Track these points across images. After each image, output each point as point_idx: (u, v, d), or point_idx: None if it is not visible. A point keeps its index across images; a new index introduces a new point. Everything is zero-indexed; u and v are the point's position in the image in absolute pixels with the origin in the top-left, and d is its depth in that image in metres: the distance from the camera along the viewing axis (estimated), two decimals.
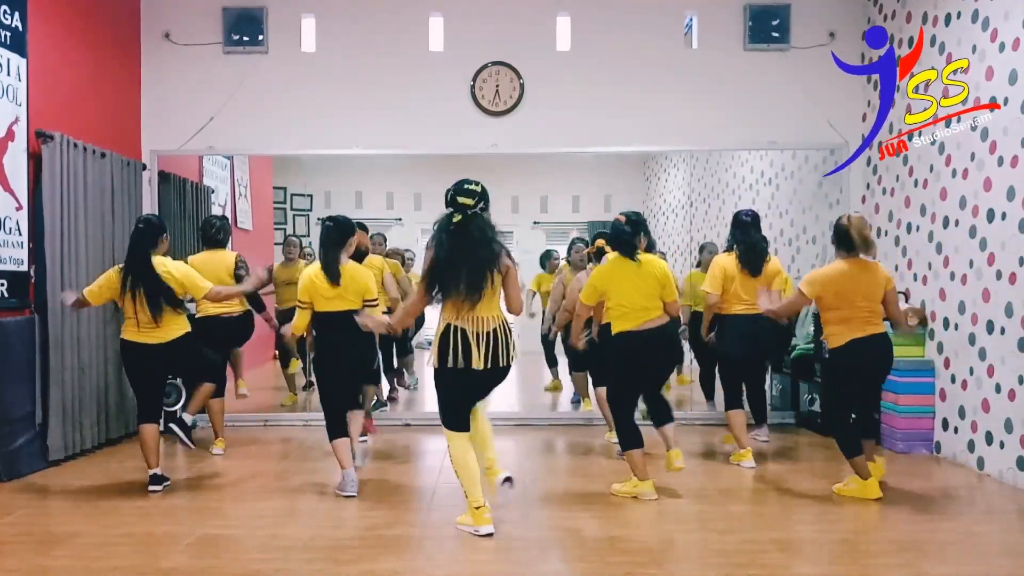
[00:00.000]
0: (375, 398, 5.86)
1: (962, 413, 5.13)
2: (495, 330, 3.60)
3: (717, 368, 5.52)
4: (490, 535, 3.61)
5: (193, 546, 3.61)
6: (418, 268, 6.78)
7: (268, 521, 3.97)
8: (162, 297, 4.34)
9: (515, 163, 9.25)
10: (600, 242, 4.98)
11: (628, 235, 4.30)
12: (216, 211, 7.86)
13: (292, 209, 10.89)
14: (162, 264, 4.43)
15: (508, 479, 3.73)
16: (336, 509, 4.18)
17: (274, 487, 4.59)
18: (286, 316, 5.94)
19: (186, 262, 5.03)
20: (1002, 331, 4.73)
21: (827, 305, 4.22)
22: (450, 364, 3.57)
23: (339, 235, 4.36)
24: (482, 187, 3.65)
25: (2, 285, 4.78)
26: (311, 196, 11.11)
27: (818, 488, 4.55)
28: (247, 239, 9.11)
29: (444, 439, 3.79)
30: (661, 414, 4.51)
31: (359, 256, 5.08)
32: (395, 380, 7.23)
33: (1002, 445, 4.72)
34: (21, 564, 3.38)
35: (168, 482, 4.51)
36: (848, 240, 4.17)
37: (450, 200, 3.63)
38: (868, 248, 4.17)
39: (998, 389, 4.77)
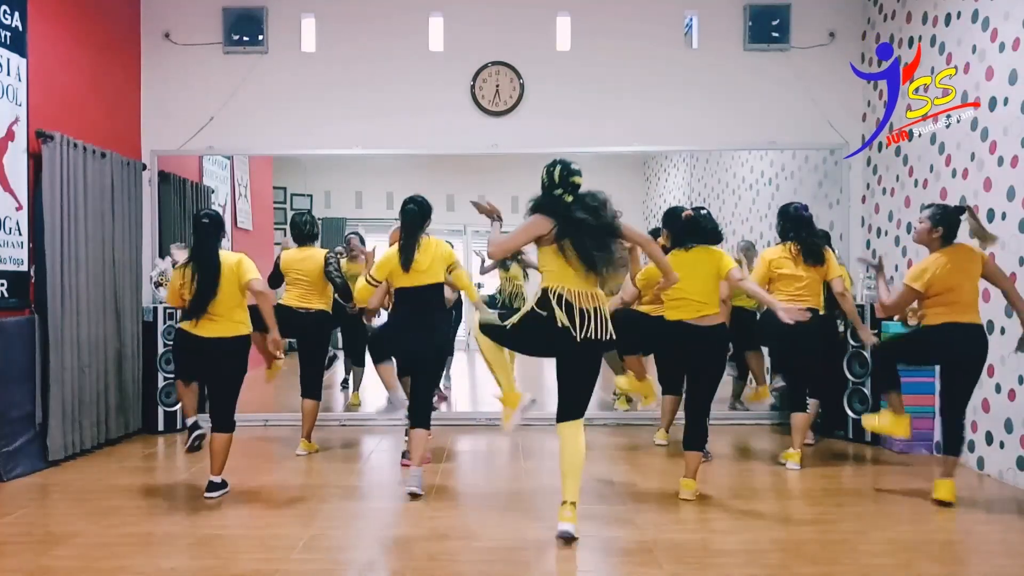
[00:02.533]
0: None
1: None
2: (596, 308, 3.56)
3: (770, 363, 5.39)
4: (533, 401, 3.84)
5: (193, 546, 3.61)
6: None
7: (268, 521, 3.97)
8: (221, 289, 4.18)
9: (515, 163, 9.24)
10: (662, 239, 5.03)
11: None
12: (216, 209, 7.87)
13: (292, 209, 10.90)
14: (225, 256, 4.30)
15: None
16: (336, 509, 4.18)
17: (274, 487, 4.59)
18: (356, 317, 5.66)
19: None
20: (1002, 331, 4.73)
21: (934, 292, 4.16)
22: (545, 317, 3.51)
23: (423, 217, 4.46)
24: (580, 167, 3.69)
25: (2, 285, 4.78)
26: (311, 196, 11.12)
27: (818, 488, 4.55)
28: (247, 239, 9.12)
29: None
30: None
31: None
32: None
33: (1002, 445, 4.73)
34: (21, 564, 3.38)
35: (226, 489, 4.39)
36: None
37: (561, 180, 3.62)
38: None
39: (998, 389, 4.77)
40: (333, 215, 10.89)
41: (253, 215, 9.58)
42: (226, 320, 4.23)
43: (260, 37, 6.46)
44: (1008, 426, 4.67)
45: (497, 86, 6.53)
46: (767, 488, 4.58)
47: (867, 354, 5.51)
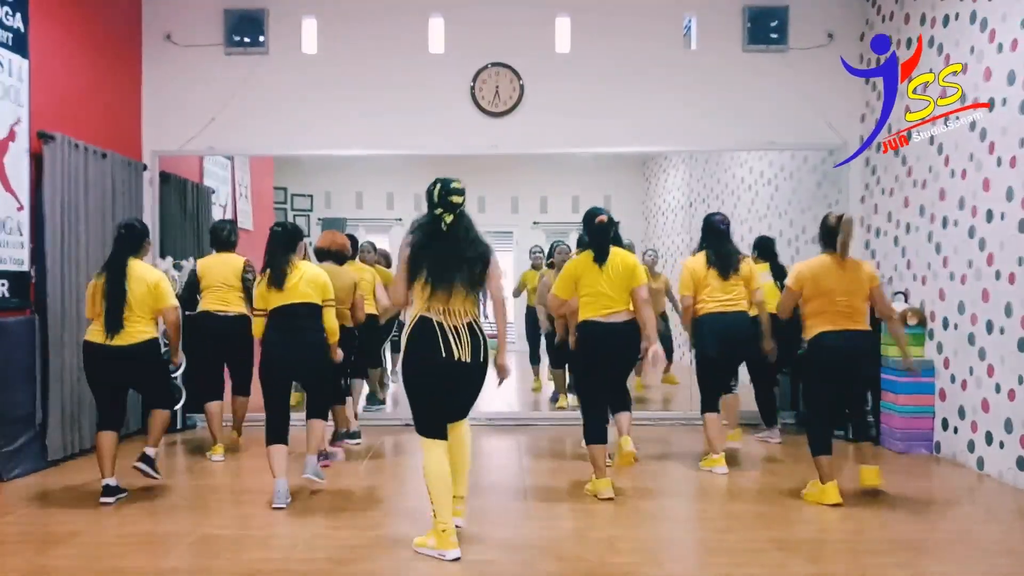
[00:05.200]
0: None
1: (962, 413, 5.13)
2: (470, 324, 3.49)
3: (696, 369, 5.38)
4: (457, 559, 3.36)
5: (193, 546, 3.61)
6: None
7: (268, 521, 3.97)
8: (126, 303, 4.22)
9: (515, 163, 9.25)
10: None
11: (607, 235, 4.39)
12: (216, 211, 7.87)
13: (293, 209, 10.90)
14: (139, 268, 4.33)
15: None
16: (336, 509, 4.18)
17: (272, 487, 4.58)
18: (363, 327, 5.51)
19: (193, 263, 5.06)
20: (1001, 331, 4.74)
21: (806, 298, 4.20)
22: (424, 355, 3.41)
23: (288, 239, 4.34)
24: (464, 185, 3.57)
25: (3, 285, 4.79)
26: (311, 196, 11.12)
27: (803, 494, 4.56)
28: (247, 239, 9.07)
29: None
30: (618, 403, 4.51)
31: (341, 259, 5.16)
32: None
33: (1002, 445, 4.73)
34: (21, 564, 3.38)
35: (124, 494, 4.33)
36: (831, 238, 4.17)
37: (440, 199, 3.48)
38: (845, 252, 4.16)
39: (998, 389, 4.77)
40: (333, 215, 10.90)
41: (254, 215, 9.59)
42: (134, 329, 4.27)
43: (261, 38, 6.47)
44: (1008, 426, 4.68)
45: (497, 87, 6.54)
46: (766, 488, 4.58)
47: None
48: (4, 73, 4.80)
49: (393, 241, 8.10)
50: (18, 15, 4.92)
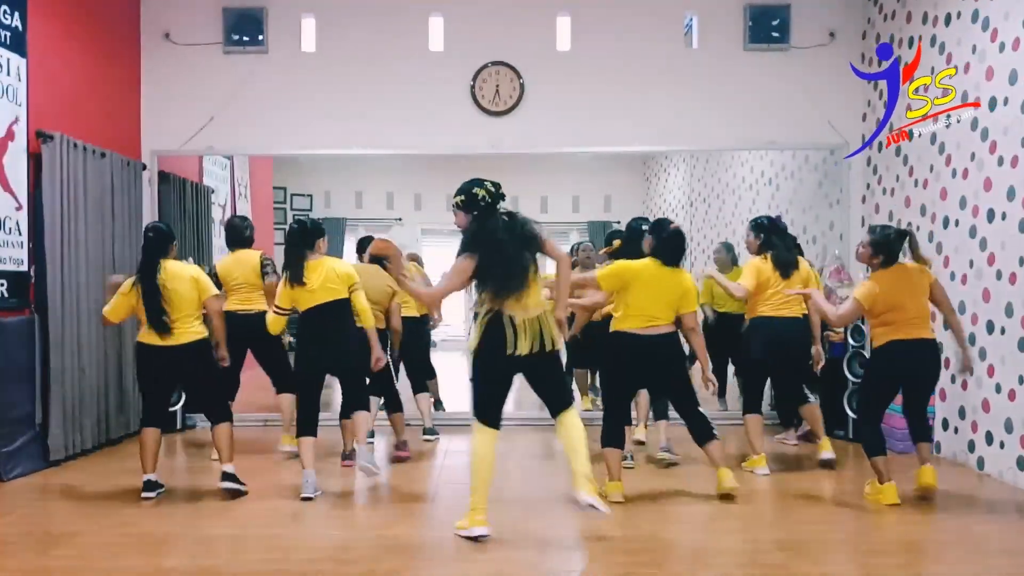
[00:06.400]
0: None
1: (962, 413, 5.13)
2: (538, 317, 3.59)
3: (735, 369, 5.38)
4: (484, 537, 3.53)
5: (193, 546, 3.61)
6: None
7: (268, 521, 3.97)
8: (168, 303, 4.23)
9: (515, 163, 9.22)
10: (617, 243, 5.02)
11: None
12: (216, 211, 7.87)
13: (292, 209, 10.90)
14: (173, 267, 4.34)
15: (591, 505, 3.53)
16: (336, 509, 4.18)
17: (274, 487, 4.58)
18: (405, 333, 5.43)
19: (206, 265, 5.04)
20: (1002, 331, 4.73)
21: (875, 312, 4.19)
22: (495, 349, 3.53)
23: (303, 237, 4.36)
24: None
25: (2, 285, 4.78)
26: (311, 196, 11.12)
27: (819, 488, 4.55)
28: None
29: (469, 440, 3.69)
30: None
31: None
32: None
33: (1002, 445, 4.72)
34: (21, 564, 3.38)
35: (162, 489, 4.40)
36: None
37: (496, 196, 3.68)
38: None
39: (998, 389, 4.77)
40: (333, 215, 10.89)
41: (253, 215, 9.57)
42: (183, 327, 4.26)
43: (260, 37, 6.45)
44: (1008, 426, 4.67)
45: (497, 86, 6.53)
46: (767, 488, 4.58)
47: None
48: (2, 72, 4.79)
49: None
50: (16, 14, 4.91)
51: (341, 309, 4.35)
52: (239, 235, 5.33)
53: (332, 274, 4.33)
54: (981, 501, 4.44)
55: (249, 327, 5.08)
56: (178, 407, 6.09)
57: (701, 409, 4.34)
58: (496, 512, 4.08)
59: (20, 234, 4.94)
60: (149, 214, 6.38)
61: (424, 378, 6.04)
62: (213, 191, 7.94)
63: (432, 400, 6.23)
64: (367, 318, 4.46)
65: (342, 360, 4.41)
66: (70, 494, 4.47)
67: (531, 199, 9.92)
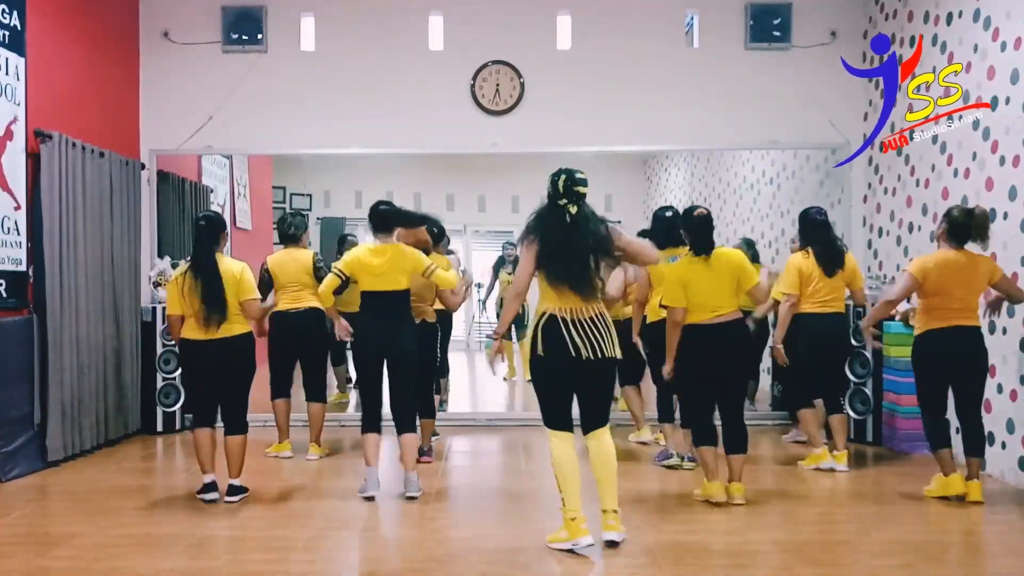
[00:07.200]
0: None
1: None
2: (593, 318, 3.49)
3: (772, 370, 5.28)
4: (591, 546, 3.41)
5: (193, 546, 3.60)
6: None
7: (268, 521, 3.96)
8: (224, 295, 4.18)
9: (515, 163, 9.22)
10: None
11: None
12: (215, 211, 7.84)
13: (291, 209, 10.88)
14: (224, 260, 4.27)
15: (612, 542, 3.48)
16: (336, 509, 4.16)
17: (274, 487, 4.57)
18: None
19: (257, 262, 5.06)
20: (1004, 331, 4.72)
21: (925, 292, 4.17)
22: (551, 352, 3.42)
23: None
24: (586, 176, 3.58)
25: (0, 285, 4.77)
26: (310, 196, 11.10)
27: (819, 489, 4.54)
28: (246, 239, 9.09)
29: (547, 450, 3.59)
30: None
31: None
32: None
33: (1004, 446, 4.71)
34: (20, 565, 3.37)
35: (246, 493, 4.31)
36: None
37: (565, 190, 3.51)
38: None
39: (1000, 389, 4.75)
40: (333, 215, 10.88)
41: (252, 215, 9.56)
42: (229, 320, 4.20)
43: (259, 36, 6.43)
44: (1010, 426, 4.66)
45: (497, 85, 6.51)
46: (767, 489, 4.56)
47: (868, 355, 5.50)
48: (1, 71, 4.77)
49: None
50: (15, 13, 4.89)
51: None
52: (283, 232, 5.31)
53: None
54: (984, 502, 4.42)
55: (296, 323, 5.11)
56: (177, 407, 6.07)
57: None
58: (495, 512, 4.08)
59: (18, 234, 4.92)
60: (148, 214, 6.37)
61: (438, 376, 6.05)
62: (212, 191, 7.92)
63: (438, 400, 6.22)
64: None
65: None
66: (69, 495, 4.46)
67: (531, 199, 9.86)
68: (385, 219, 4.37)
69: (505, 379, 8.25)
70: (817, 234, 4.93)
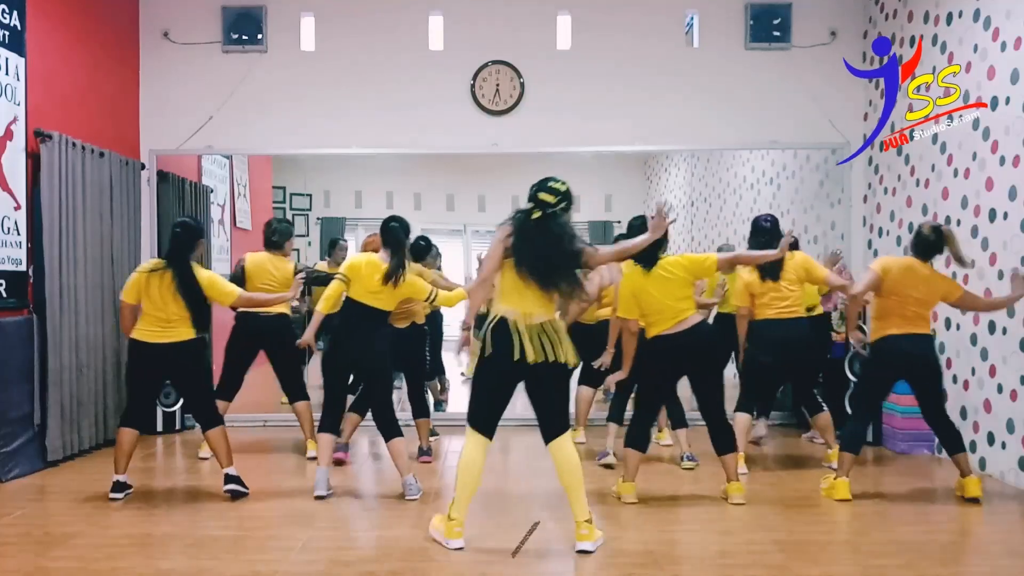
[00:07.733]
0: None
1: (964, 413, 5.11)
2: (544, 325, 3.45)
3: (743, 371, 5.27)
4: (460, 549, 3.46)
5: (192, 546, 3.59)
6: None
7: (267, 521, 3.96)
8: (194, 300, 4.23)
9: (515, 163, 9.20)
10: None
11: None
12: (215, 211, 7.85)
13: (291, 209, 10.86)
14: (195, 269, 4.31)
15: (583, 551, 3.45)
16: (335, 509, 4.16)
17: (273, 488, 4.57)
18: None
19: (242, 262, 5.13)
20: (1004, 331, 4.72)
21: (882, 290, 4.25)
22: (496, 354, 3.42)
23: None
24: (567, 187, 3.52)
25: (0, 285, 4.76)
26: (310, 196, 11.09)
27: (819, 488, 4.53)
28: (246, 239, 9.09)
29: (464, 440, 3.61)
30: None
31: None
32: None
33: (1004, 446, 4.71)
34: (20, 565, 3.37)
35: (130, 490, 4.36)
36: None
37: (531, 196, 3.51)
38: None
39: (1000, 389, 4.75)
40: (333, 215, 10.87)
41: (252, 215, 9.56)
42: (181, 326, 4.24)
43: (259, 36, 6.44)
44: (1010, 426, 4.66)
45: (497, 85, 6.51)
46: (767, 489, 4.56)
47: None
48: (1, 71, 4.77)
49: None
50: (15, 13, 4.89)
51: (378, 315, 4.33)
52: (268, 237, 5.29)
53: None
54: (983, 502, 4.42)
55: (262, 327, 5.09)
56: (177, 407, 6.07)
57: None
58: (494, 512, 4.08)
59: (18, 234, 4.92)
60: (148, 214, 6.37)
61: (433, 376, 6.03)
62: (212, 191, 7.91)
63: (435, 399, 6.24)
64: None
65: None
66: (69, 495, 4.45)
67: None
68: (395, 237, 4.43)
69: (463, 374, 8.01)
70: (757, 240, 4.89)
